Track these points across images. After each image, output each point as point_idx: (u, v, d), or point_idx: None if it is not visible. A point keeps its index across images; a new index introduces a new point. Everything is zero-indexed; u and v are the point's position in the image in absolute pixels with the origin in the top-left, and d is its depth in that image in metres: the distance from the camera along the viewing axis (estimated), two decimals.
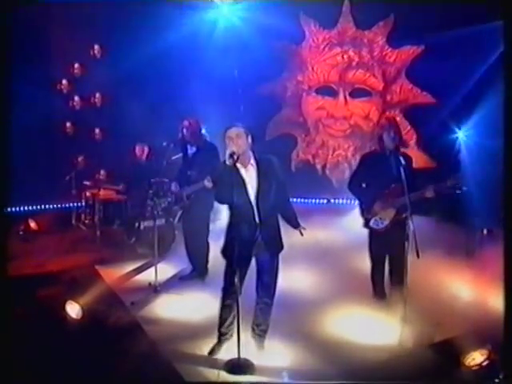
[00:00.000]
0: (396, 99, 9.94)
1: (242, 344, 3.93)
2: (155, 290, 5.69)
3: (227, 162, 3.88)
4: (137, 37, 8.77)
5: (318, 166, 10.61)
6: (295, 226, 4.41)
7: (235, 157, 3.86)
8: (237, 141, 3.96)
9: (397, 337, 4.51)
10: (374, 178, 5.11)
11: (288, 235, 4.34)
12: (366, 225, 5.22)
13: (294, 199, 7.70)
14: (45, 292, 5.44)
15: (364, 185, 5.25)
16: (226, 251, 4.16)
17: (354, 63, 9.92)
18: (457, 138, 8.91)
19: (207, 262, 6.06)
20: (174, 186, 6.05)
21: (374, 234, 5.22)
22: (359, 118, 10.13)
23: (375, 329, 4.68)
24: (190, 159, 5.98)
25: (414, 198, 4.75)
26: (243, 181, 4.04)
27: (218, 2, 9.43)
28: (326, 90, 10.19)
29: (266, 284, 4.23)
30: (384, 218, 5.10)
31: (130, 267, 6.51)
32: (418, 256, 4.40)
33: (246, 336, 4.21)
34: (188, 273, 6.19)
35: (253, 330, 4.34)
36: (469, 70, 8.74)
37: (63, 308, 4.90)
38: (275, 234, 4.20)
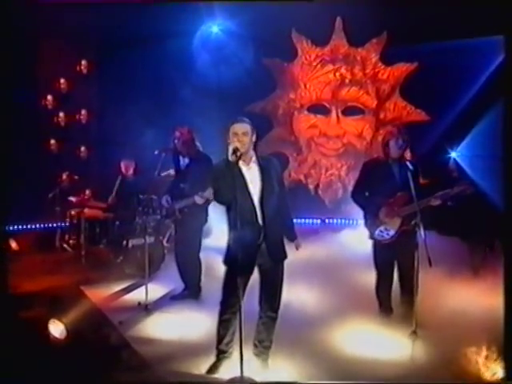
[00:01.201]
0: (390, 117, 9.81)
1: (244, 361, 3.57)
2: (146, 308, 5.34)
3: (230, 159, 3.60)
4: (125, 52, 8.68)
5: (311, 186, 10.35)
6: (292, 238, 4.10)
7: (238, 153, 3.59)
8: (242, 138, 3.70)
9: (408, 352, 4.22)
10: (377, 187, 4.88)
11: (289, 249, 4.03)
12: (372, 236, 4.96)
13: None
14: (23, 312, 5.03)
15: (367, 193, 5.03)
16: (228, 259, 3.84)
17: (346, 81, 9.79)
18: (451, 156, 8.79)
19: (200, 279, 5.75)
20: (165, 200, 5.77)
21: (378, 246, 4.96)
22: (352, 136, 9.95)
23: (384, 344, 4.39)
24: (182, 171, 5.77)
25: (421, 206, 4.51)
26: (244, 180, 3.76)
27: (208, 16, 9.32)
28: (319, 108, 10.03)
29: (271, 296, 3.92)
30: (389, 229, 4.85)
31: (117, 287, 6.19)
32: (430, 264, 4.18)
33: (248, 353, 3.87)
34: (179, 292, 5.87)
35: (255, 346, 4.01)
36: (463, 86, 8.72)
37: (46, 328, 4.55)
38: (279, 239, 3.89)
